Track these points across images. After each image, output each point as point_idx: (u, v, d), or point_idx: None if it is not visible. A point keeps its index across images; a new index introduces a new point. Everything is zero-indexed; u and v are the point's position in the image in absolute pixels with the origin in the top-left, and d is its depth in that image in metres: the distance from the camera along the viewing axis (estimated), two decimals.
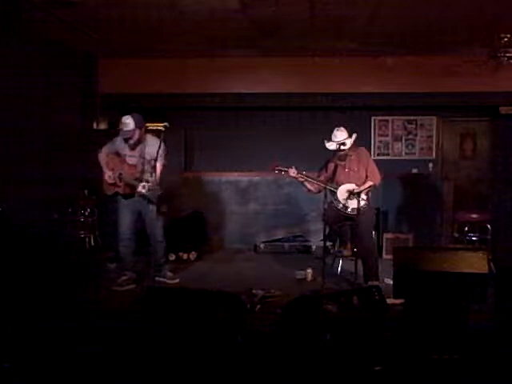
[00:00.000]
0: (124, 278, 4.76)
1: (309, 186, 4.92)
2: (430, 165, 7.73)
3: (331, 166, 4.95)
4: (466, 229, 6.27)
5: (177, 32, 5.64)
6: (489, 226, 6.15)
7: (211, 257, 6.40)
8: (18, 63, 5.13)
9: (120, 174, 4.66)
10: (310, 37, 5.83)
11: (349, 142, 4.78)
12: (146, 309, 2.93)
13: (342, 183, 4.82)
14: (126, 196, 4.69)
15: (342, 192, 4.78)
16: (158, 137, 4.46)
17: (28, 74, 5.30)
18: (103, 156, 4.79)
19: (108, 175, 4.70)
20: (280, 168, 4.88)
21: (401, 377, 2.73)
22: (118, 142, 4.75)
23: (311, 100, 6.94)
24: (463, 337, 3.10)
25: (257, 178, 7.17)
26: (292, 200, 6.99)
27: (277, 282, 4.81)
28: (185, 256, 6.05)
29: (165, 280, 4.86)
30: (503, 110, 7.05)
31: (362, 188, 4.72)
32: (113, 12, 4.96)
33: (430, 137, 7.77)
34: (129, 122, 4.53)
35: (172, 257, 5.94)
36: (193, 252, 6.10)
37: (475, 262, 3.31)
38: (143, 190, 4.35)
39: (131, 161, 4.69)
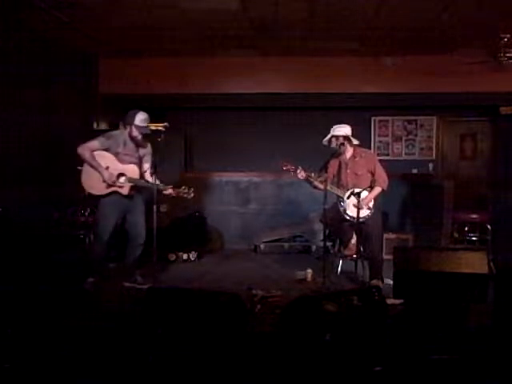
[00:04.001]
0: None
1: (316, 183, 4.76)
2: (430, 165, 7.74)
3: (334, 164, 4.92)
4: (466, 229, 6.27)
5: (177, 32, 5.64)
6: (489, 226, 6.15)
7: (211, 257, 6.39)
8: (18, 63, 5.13)
9: (122, 174, 4.38)
10: (309, 37, 5.83)
11: (346, 142, 4.74)
12: (146, 309, 2.93)
13: (345, 185, 4.79)
14: (119, 196, 4.39)
15: (349, 198, 4.69)
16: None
17: (28, 74, 5.30)
18: (88, 152, 4.33)
19: (109, 174, 4.31)
20: (289, 167, 4.75)
21: (401, 377, 2.73)
22: (119, 139, 4.41)
23: (311, 100, 6.94)
24: (463, 337, 3.10)
25: (257, 178, 7.17)
26: (292, 200, 6.99)
27: (277, 282, 4.81)
28: (185, 256, 6.05)
29: (134, 285, 4.50)
30: (503, 110, 7.05)
31: (370, 197, 4.66)
32: (113, 12, 4.96)
33: (430, 137, 7.78)
34: (147, 118, 4.22)
35: (172, 257, 5.95)
36: (193, 252, 6.10)
37: (475, 262, 3.31)
38: (170, 190, 4.36)
39: (129, 159, 4.42)
